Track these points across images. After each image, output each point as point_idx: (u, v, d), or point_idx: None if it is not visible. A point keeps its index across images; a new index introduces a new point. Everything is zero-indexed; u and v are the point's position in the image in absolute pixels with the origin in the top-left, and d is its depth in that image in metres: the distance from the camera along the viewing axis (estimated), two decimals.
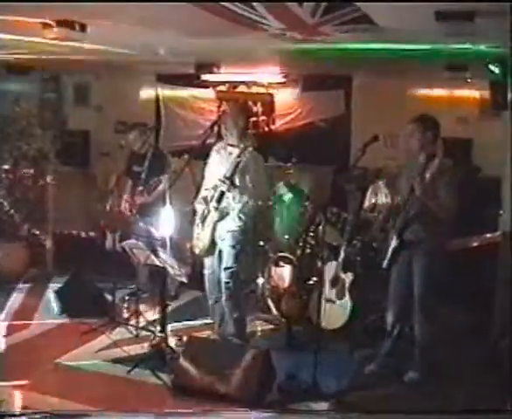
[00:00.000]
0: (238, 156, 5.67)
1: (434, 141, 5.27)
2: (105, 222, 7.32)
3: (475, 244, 6.93)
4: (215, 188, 5.75)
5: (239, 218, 5.74)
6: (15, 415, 4.33)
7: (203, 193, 5.94)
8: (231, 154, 5.80)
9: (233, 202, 5.71)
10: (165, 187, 6.63)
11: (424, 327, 5.30)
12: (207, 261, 6.00)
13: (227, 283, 5.80)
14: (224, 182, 5.63)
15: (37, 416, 4.13)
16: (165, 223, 5.99)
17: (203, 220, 5.84)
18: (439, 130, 5.32)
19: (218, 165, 5.87)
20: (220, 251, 5.87)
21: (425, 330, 5.30)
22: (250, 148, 5.69)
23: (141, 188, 6.85)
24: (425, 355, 5.36)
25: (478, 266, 6.53)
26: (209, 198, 5.80)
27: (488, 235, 6.76)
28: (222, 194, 5.68)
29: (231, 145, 5.84)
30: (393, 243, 5.28)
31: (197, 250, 6.00)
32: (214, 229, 5.79)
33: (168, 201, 5.97)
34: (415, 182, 5.08)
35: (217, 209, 5.72)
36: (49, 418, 4.17)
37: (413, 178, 5.11)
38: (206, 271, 6.04)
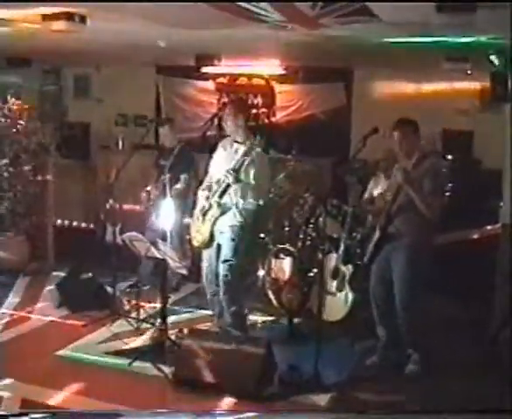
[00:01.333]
0: (245, 154, 5.64)
1: (418, 142, 5.26)
2: (112, 214, 7.29)
3: (476, 237, 6.95)
4: (218, 182, 5.74)
5: (240, 214, 5.73)
6: (15, 415, 4.33)
7: (205, 186, 5.93)
8: (237, 150, 5.76)
9: (235, 197, 5.69)
10: (183, 185, 6.73)
11: (407, 321, 5.28)
12: (205, 253, 6.00)
13: (225, 276, 5.77)
14: (230, 173, 5.60)
15: (37, 416, 4.12)
16: (169, 215, 6.04)
17: (204, 213, 5.83)
18: (419, 131, 5.30)
19: (223, 161, 5.83)
20: (219, 245, 5.87)
21: (409, 324, 5.29)
22: (258, 149, 5.67)
23: (160, 181, 6.91)
24: (416, 348, 5.36)
25: (477, 258, 6.54)
26: (213, 190, 5.79)
27: (489, 227, 6.77)
28: (225, 189, 5.67)
29: (238, 142, 5.81)
30: (375, 236, 5.28)
31: (195, 243, 6.01)
32: (214, 223, 5.78)
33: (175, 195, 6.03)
34: (401, 180, 5.08)
35: (219, 204, 5.71)
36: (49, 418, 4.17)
37: (400, 176, 5.11)
38: (204, 264, 6.05)
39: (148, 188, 7.24)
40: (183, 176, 6.97)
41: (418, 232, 5.19)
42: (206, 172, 6.07)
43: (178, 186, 6.91)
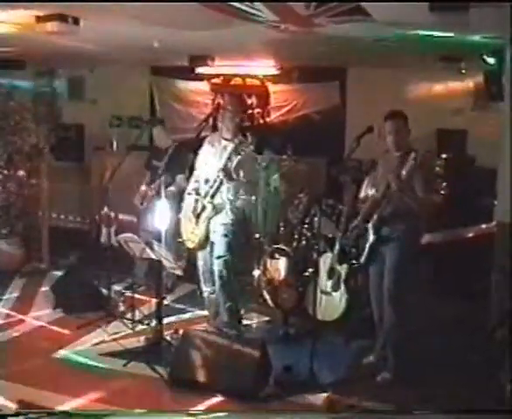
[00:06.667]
0: (234, 151, 5.66)
1: (408, 136, 5.25)
2: (106, 215, 7.25)
3: (470, 235, 6.96)
4: (207, 182, 5.75)
5: (232, 212, 5.76)
6: (13, 415, 4.31)
7: (193, 184, 5.96)
8: (225, 147, 5.78)
9: (227, 196, 5.71)
10: (179, 187, 6.69)
11: (397, 321, 5.21)
12: (200, 253, 6.02)
13: (220, 271, 5.81)
14: (222, 172, 5.61)
15: (34, 417, 4.11)
16: (165, 217, 6.03)
17: (197, 215, 5.84)
18: (408, 125, 5.28)
19: (211, 157, 5.86)
20: (212, 243, 5.89)
21: (399, 324, 5.23)
22: (251, 147, 5.69)
23: (156, 182, 6.89)
24: (395, 352, 5.31)
25: (472, 257, 6.55)
26: (202, 192, 5.80)
27: (483, 225, 6.79)
28: (218, 187, 5.69)
29: (226, 139, 5.83)
30: (370, 238, 5.26)
31: (191, 245, 6.01)
32: (209, 224, 5.80)
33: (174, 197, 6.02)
34: (391, 178, 5.05)
35: (213, 206, 5.72)
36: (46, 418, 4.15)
37: (389, 173, 5.08)
38: (199, 263, 6.07)
39: (143, 189, 7.21)
40: (178, 177, 6.93)
41: (411, 231, 5.16)
42: (192, 169, 6.07)
43: (172, 188, 6.85)
